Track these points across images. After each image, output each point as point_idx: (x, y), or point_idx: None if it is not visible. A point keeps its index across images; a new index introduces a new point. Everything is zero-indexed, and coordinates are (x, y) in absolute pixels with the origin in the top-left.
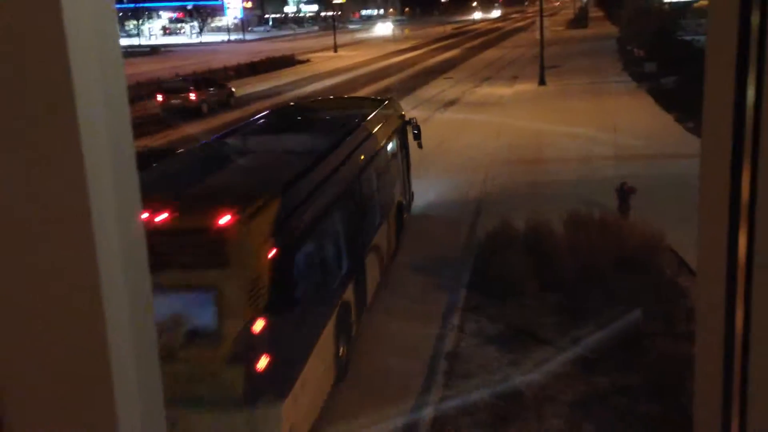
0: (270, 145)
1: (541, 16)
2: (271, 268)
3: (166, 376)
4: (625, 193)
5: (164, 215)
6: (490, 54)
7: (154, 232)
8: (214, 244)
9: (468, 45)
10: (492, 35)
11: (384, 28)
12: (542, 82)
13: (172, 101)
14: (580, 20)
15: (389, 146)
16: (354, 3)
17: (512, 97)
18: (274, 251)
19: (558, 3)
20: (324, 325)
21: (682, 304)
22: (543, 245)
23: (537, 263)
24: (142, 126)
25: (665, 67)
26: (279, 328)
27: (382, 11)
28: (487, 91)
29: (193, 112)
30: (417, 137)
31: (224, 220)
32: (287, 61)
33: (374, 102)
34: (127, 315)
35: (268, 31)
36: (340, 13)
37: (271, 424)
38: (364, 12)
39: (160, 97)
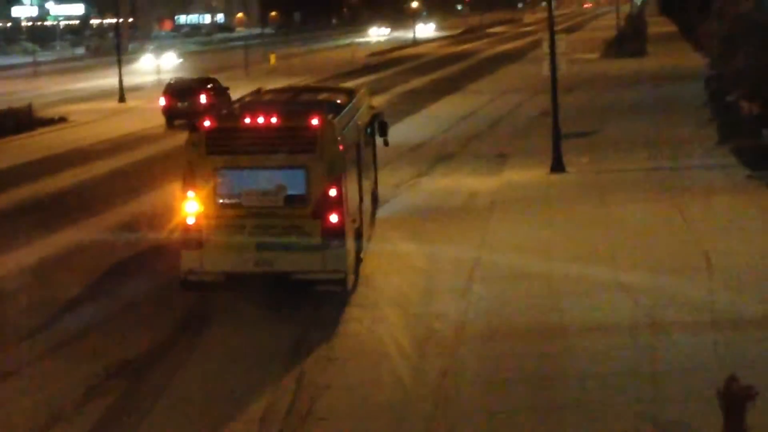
0: (296, 101)
1: (552, 33)
2: (340, 158)
3: (269, 230)
4: (737, 398)
5: (273, 119)
6: (450, 105)
7: (266, 130)
8: (307, 138)
9: (405, 86)
10: (454, 66)
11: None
12: (558, 165)
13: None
14: (630, 41)
15: (368, 127)
16: (164, 5)
17: (496, 198)
18: (341, 147)
19: (590, 5)
20: (357, 219)
21: None
22: None
23: None
24: None
25: None
26: (340, 196)
27: (221, 17)
28: (444, 183)
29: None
30: (383, 133)
31: (315, 122)
32: (21, 122)
33: (351, 90)
34: None
35: None
36: (132, 21)
37: (338, 259)
38: (184, 19)
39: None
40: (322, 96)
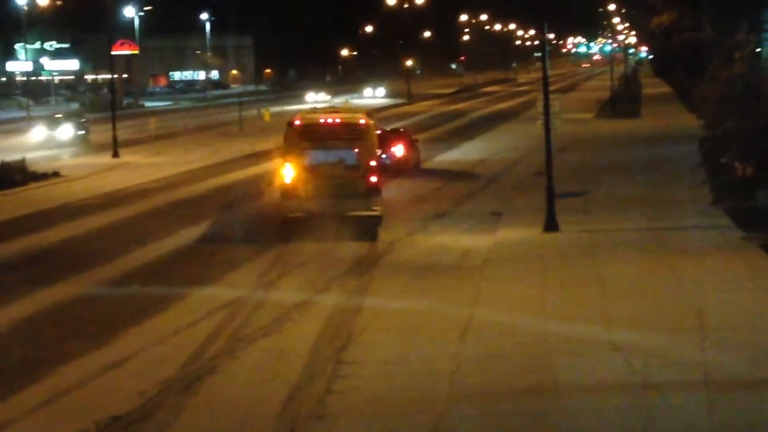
0: (342, 112)
1: (546, 93)
2: (376, 143)
3: (336, 185)
4: None
5: (338, 120)
6: (445, 163)
7: (333, 125)
8: (358, 130)
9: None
10: (448, 125)
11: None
12: (551, 224)
13: None
14: (624, 102)
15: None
16: (159, 61)
17: (490, 256)
18: (376, 135)
19: (587, 65)
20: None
21: None
22: None
23: None
24: None
25: None
26: (377, 167)
27: (215, 74)
28: (438, 240)
29: None
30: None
31: (362, 121)
32: (14, 177)
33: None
34: None
35: None
36: (126, 76)
37: (376, 203)
38: (179, 75)
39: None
40: (354, 111)
